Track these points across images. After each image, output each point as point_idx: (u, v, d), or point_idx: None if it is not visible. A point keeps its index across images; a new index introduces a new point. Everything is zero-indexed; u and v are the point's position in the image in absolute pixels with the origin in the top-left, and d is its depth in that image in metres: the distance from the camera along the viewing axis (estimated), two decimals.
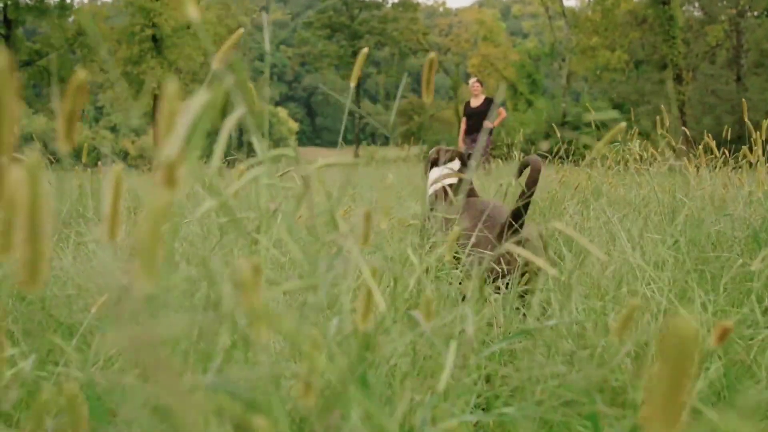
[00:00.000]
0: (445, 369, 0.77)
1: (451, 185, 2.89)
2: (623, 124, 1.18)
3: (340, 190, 0.74)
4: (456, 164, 3.08)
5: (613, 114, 1.00)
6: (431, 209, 2.89)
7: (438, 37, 51.47)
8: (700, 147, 3.71)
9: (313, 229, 0.75)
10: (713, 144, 3.16)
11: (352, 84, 1.40)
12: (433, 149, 3.23)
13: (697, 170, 3.54)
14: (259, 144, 0.70)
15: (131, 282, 0.38)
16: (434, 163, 3.16)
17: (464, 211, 2.44)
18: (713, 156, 3.44)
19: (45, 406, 0.50)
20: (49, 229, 0.42)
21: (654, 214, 3.06)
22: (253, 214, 0.97)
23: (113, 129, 59.67)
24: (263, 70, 1.03)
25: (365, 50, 1.41)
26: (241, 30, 1.30)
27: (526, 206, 2.09)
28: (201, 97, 0.46)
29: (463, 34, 50.44)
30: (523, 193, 2.09)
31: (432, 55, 0.95)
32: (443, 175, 2.99)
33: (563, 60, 37.74)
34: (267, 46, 0.95)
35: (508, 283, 2.00)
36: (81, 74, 0.62)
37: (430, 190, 3.02)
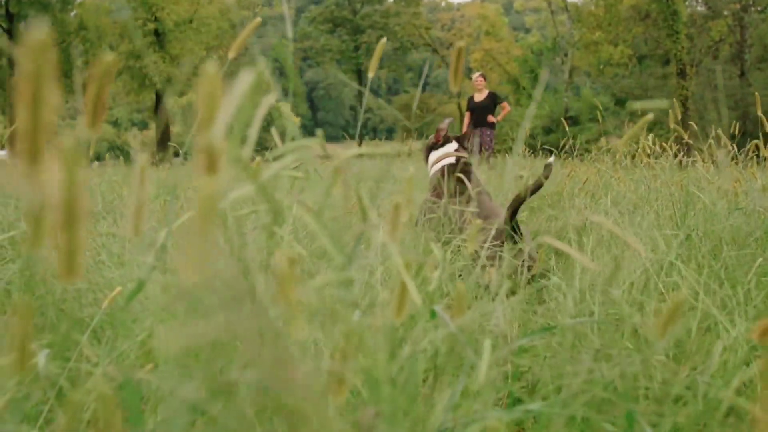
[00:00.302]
0: (482, 366, 0.75)
1: (451, 165, 2.96)
2: (650, 115, 1.15)
3: (376, 181, 0.72)
4: (453, 145, 3.14)
5: (665, 104, 0.96)
6: (434, 189, 2.93)
7: (440, 32, 51.39)
8: (710, 141, 3.68)
9: (345, 219, 0.73)
10: (726, 138, 3.13)
11: (371, 74, 1.38)
12: (431, 137, 3.31)
13: (710, 164, 3.52)
14: (294, 133, 0.67)
15: (178, 275, 0.36)
16: (432, 148, 3.23)
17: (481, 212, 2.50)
18: (727, 150, 3.41)
19: (78, 407, 0.48)
20: (87, 218, 0.39)
21: (665, 209, 3.03)
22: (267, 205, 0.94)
23: (115, 123, 59.65)
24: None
25: (383, 40, 1.39)
26: (259, 19, 1.27)
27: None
28: (245, 79, 0.43)
29: (466, 29, 50.36)
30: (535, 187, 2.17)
31: (461, 43, 0.92)
32: (443, 154, 3.07)
33: (566, 55, 37.67)
34: (289, 33, 0.92)
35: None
36: (108, 57, 0.59)
37: (432, 172, 3.09)
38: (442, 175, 2.96)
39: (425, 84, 72.96)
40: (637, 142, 4.68)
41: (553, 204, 3.76)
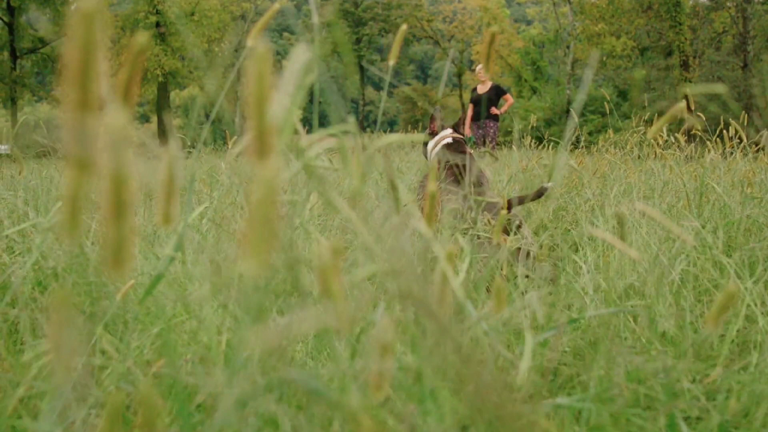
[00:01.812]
0: (524, 361, 0.72)
1: (447, 144, 3.02)
2: (682, 104, 1.12)
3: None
4: (447, 131, 3.21)
5: (720, 89, 0.93)
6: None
7: (442, 24, 51.19)
8: (718, 132, 3.65)
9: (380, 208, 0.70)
10: (740, 129, 3.09)
11: (391, 62, 1.35)
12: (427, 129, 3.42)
13: (723, 155, 3.49)
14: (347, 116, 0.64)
15: (239, 264, 0.33)
16: (430, 137, 3.33)
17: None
18: (739, 141, 3.38)
19: (119, 409, 0.45)
20: (136, 205, 0.36)
21: (677, 200, 3.01)
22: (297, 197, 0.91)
23: None
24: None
25: (404, 27, 1.36)
26: (278, 5, 1.24)
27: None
28: (302, 55, 0.40)
29: (468, 21, 50.16)
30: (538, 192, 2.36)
31: (495, 28, 0.88)
32: (440, 136, 3.15)
33: (568, 47, 37.55)
34: (315, 18, 0.89)
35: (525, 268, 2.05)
36: (142, 38, 0.57)
37: (432, 155, 3.16)
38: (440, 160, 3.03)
39: (427, 76, 72.69)
40: (645, 133, 4.65)
41: (564, 194, 3.73)
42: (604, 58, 32.61)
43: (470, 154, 3.02)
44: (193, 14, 31.71)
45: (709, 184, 2.75)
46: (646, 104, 5.65)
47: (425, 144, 3.39)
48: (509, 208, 2.30)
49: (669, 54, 31.13)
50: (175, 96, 44.48)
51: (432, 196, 0.80)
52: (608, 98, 5.01)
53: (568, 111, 33.09)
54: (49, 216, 1.49)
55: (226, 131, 4.47)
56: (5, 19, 29.66)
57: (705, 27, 30.91)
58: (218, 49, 32.35)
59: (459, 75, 47.26)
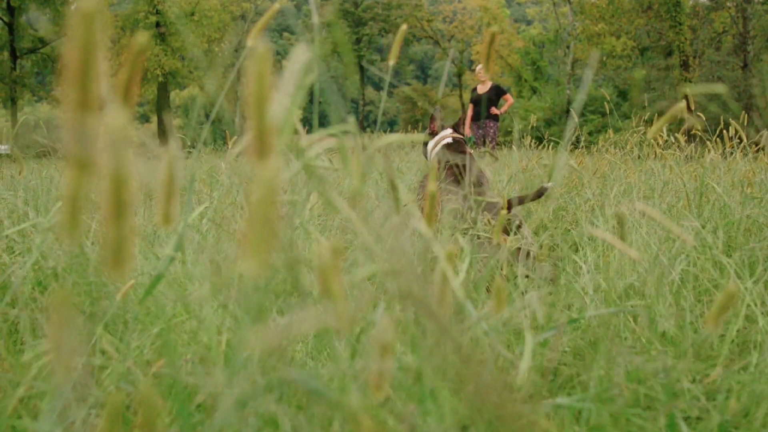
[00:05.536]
0: (524, 361, 0.72)
1: (447, 144, 3.04)
2: (682, 104, 1.12)
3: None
4: (447, 131, 3.21)
5: (720, 89, 0.93)
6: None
7: (442, 24, 51.17)
8: (718, 132, 3.66)
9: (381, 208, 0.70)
10: (740, 129, 3.09)
11: (391, 62, 1.35)
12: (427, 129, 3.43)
13: (723, 155, 3.49)
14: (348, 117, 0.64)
15: (239, 264, 0.33)
16: (430, 137, 3.34)
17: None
18: (739, 141, 3.39)
19: (119, 410, 0.45)
20: (136, 204, 0.36)
21: (677, 200, 3.01)
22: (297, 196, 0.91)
23: None
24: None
25: (404, 27, 1.36)
26: (278, 5, 1.24)
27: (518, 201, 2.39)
28: (302, 55, 0.40)
29: (468, 21, 50.15)
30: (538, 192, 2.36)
31: (495, 28, 0.88)
32: (440, 136, 3.16)
33: (568, 47, 37.55)
34: (315, 18, 0.89)
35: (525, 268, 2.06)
36: (142, 38, 0.57)
37: (432, 155, 3.16)
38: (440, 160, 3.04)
39: (427, 76, 72.71)
40: (645, 133, 4.65)
41: (564, 194, 3.73)
42: (604, 58, 32.60)
43: (470, 154, 3.02)
44: (193, 14, 31.70)
45: (709, 184, 2.75)
46: (646, 104, 5.66)
47: (425, 144, 3.39)
48: (509, 208, 2.30)
49: (669, 54, 31.12)
50: (175, 96, 44.53)
51: (432, 196, 0.80)
52: (608, 98, 5.01)
53: (568, 111, 33.15)
54: (49, 216, 1.49)
55: (226, 131, 4.48)
56: (5, 19, 29.64)
57: (705, 27, 30.92)
58: (218, 49, 32.37)
59: (459, 75, 47.25)
